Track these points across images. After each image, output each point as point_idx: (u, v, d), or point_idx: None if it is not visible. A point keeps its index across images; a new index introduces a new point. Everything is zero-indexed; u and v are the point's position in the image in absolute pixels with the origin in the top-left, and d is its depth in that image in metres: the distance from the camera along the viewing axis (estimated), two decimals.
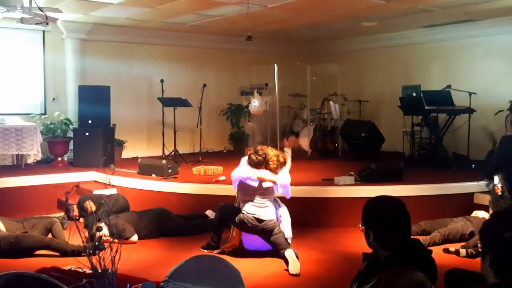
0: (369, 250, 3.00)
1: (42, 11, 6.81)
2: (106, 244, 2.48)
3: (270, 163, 6.21)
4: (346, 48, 13.98)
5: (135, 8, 9.75)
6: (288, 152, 6.56)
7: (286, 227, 6.25)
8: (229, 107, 13.53)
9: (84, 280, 2.39)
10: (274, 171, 6.25)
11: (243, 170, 6.24)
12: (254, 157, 6.20)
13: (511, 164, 4.72)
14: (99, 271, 2.35)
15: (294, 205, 6.76)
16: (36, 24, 7.25)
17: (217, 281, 2.86)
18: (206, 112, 11.88)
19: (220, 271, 2.93)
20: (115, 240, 6.25)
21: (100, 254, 2.37)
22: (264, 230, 6.09)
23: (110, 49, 12.07)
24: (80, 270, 5.39)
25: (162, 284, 2.75)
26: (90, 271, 5.13)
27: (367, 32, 12.57)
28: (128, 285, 2.85)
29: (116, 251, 2.37)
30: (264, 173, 6.18)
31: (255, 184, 6.17)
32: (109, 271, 2.39)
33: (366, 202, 2.96)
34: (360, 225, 2.97)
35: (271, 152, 6.28)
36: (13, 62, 11.01)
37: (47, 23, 7.13)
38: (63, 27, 11.20)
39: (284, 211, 6.37)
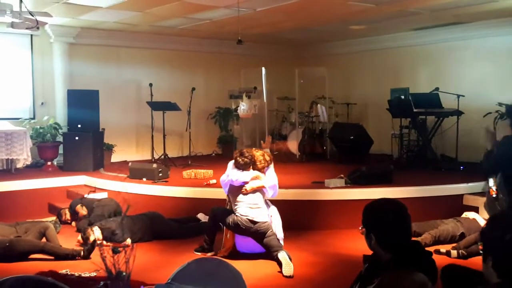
0: (369, 252, 3.03)
1: (33, 16, 6.79)
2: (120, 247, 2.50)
3: (257, 163, 6.31)
4: (334, 51, 14.07)
5: (124, 12, 9.74)
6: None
7: (277, 228, 6.31)
8: (218, 111, 13.55)
9: (101, 282, 2.40)
10: (262, 170, 6.33)
11: (232, 174, 6.29)
12: (240, 160, 6.27)
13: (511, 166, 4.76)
14: (114, 274, 2.36)
15: (286, 207, 6.80)
16: (27, 28, 7.23)
17: (219, 284, 2.88)
18: (194, 116, 11.90)
19: (223, 273, 2.95)
20: (108, 244, 6.31)
21: (115, 257, 2.39)
22: (257, 232, 6.12)
23: (98, 53, 12.05)
24: (76, 274, 5.42)
25: (164, 286, 2.78)
26: (88, 275, 5.16)
27: (356, 35, 12.67)
28: (142, 286, 2.88)
29: (131, 253, 2.39)
30: (255, 183, 6.23)
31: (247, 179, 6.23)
32: (124, 273, 2.41)
33: (366, 205, 2.98)
34: (360, 228, 3.00)
35: (257, 152, 6.39)
36: (1, 66, 10.96)
37: (37, 28, 7.11)
38: (51, 31, 11.16)
39: (274, 211, 6.43)
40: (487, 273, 2.46)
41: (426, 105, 10.10)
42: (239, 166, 6.29)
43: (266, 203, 6.43)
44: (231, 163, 6.44)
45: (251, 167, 6.29)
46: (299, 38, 13.36)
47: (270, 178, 6.34)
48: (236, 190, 6.28)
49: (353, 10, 9.59)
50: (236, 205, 6.28)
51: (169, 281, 2.79)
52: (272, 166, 6.49)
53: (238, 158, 6.30)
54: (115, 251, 2.43)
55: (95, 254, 6.14)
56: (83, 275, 5.28)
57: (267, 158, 6.40)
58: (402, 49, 12.63)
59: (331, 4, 9.17)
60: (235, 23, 9.69)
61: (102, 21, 10.64)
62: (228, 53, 13.56)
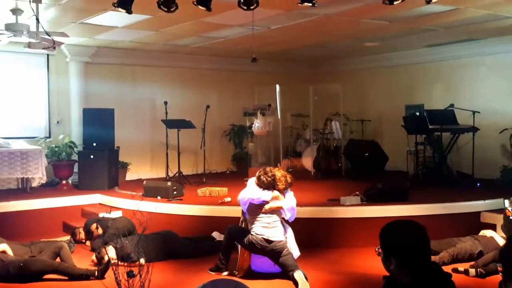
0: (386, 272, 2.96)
1: (49, 36, 6.85)
2: (135, 270, 2.46)
3: (278, 183, 6.26)
4: (348, 67, 14.06)
5: (139, 31, 9.81)
6: None
7: (293, 247, 6.28)
8: (232, 128, 13.57)
9: None
10: (282, 192, 6.30)
11: (253, 192, 6.25)
12: (264, 178, 6.23)
13: None
14: None
15: (301, 225, 6.75)
16: (44, 48, 7.29)
17: None
18: (209, 133, 11.92)
19: None
20: (124, 263, 6.28)
21: (130, 281, 2.35)
22: (273, 251, 6.08)
23: (114, 72, 12.14)
24: None
25: None
26: None
27: (370, 51, 12.65)
28: None
29: (146, 277, 2.36)
30: (274, 203, 6.21)
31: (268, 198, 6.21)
32: None
33: (384, 227, 2.84)
34: (377, 249, 2.91)
35: (279, 173, 6.34)
36: (18, 86, 11.07)
37: (54, 48, 7.17)
38: (67, 50, 11.26)
39: (289, 231, 6.39)
40: None
41: (441, 122, 10.05)
42: (262, 185, 6.26)
43: (282, 223, 6.39)
44: (252, 181, 6.41)
45: (272, 187, 6.27)
46: (313, 55, 13.38)
47: (288, 200, 6.31)
48: (254, 208, 6.25)
49: (366, 27, 9.58)
50: (252, 223, 6.25)
51: None
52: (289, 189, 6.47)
53: (262, 177, 6.27)
54: (130, 275, 2.39)
55: (109, 275, 6.12)
56: None
57: (289, 180, 6.37)
58: (416, 66, 12.58)
59: (344, 22, 9.16)
60: (249, 41, 9.71)
61: (117, 40, 10.73)
62: (241, 71, 13.59)
